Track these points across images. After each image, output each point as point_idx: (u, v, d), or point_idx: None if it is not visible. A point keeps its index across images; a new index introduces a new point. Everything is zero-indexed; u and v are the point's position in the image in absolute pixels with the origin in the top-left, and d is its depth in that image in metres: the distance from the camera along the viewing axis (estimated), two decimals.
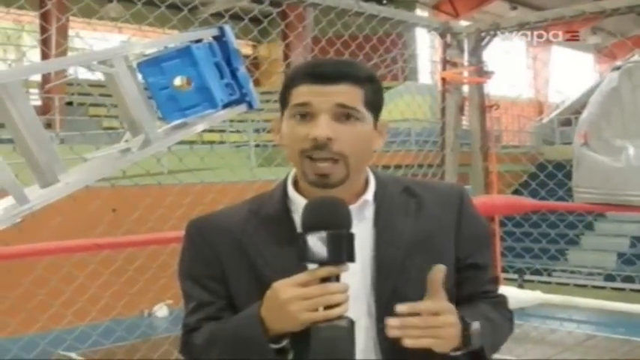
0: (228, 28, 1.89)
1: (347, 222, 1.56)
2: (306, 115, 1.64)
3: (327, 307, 1.51)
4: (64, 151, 7.56)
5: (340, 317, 1.50)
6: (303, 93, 1.65)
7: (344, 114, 1.63)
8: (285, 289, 1.53)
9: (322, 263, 1.52)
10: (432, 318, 1.54)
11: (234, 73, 1.92)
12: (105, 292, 5.60)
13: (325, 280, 1.52)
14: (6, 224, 1.53)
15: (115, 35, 19.93)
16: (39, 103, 18.39)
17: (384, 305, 1.65)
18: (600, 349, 11.26)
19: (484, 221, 1.95)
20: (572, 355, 10.98)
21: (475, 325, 1.61)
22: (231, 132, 17.10)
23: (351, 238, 1.53)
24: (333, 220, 1.54)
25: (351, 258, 1.53)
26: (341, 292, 1.51)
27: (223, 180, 6.20)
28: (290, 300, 1.51)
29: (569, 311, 11.88)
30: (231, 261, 1.73)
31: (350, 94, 1.65)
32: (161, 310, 12.71)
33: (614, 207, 3.96)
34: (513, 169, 12.88)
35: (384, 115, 1.78)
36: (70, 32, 16.72)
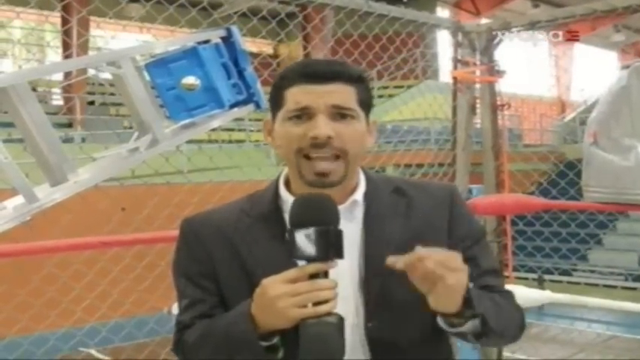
0: (235, 29, 1.90)
1: (334, 218, 1.57)
2: (301, 116, 1.66)
3: (316, 304, 1.52)
4: (83, 149, 7.59)
5: (329, 314, 1.51)
6: (297, 94, 1.67)
7: (340, 113, 1.65)
8: (273, 285, 1.54)
9: (310, 260, 1.53)
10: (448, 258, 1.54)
11: (241, 74, 1.94)
12: (128, 289, 5.61)
13: (314, 276, 1.53)
14: (15, 222, 1.55)
15: (137, 35, 20.13)
16: (61, 102, 18.52)
17: (371, 304, 1.67)
18: (618, 350, 11.20)
19: (476, 219, 1.95)
20: (590, 355, 10.94)
21: (474, 290, 1.61)
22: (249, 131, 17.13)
23: (339, 234, 1.54)
24: (320, 216, 1.55)
25: (339, 254, 1.54)
26: (329, 288, 1.52)
27: (232, 179, 6.20)
28: (278, 296, 1.52)
29: (587, 311, 11.83)
30: (222, 259, 1.74)
31: (344, 94, 1.67)
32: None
33: (623, 206, 3.95)
34: (530, 168, 12.81)
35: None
36: (92, 32, 16.85)
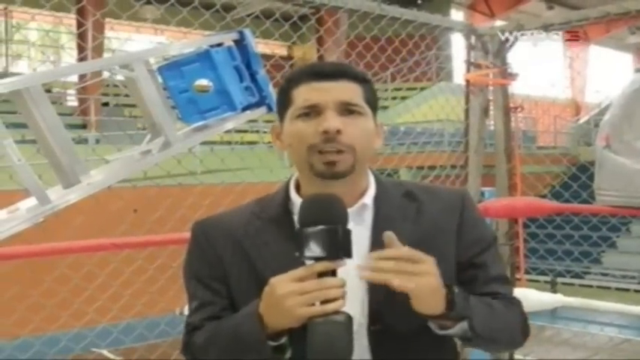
0: (247, 33, 1.91)
1: (343, 218, 1.57)
2: (310, 113, 1.66)
3: (324, 302, 1.51)
4: (98, 151, 7.60)
5: (337, 312, 1.50)
6: (305, 92, 1.67)
7: (347, 109, 1.66)
8: (281, 284, 1.53)
9: (319, 259, 1.52)
10: (408, 264, 1.54)
11: (254, 77, 1.95)
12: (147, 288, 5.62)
13: (322, 275, 1.52)
14: (28, 224, 1.56)
15: (152, 37, 20.25)
16: (76, 103, 18.60)
17: (376, 307, 1.67)
18: (630, 353, 11.10)
19: (487, 224, 1.94)
20: (604, 357, 10.88)
21: (458, 290, 1.62)
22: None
23: (347, 233, 1.54)
24: (328, 215, 1.55)
25: (347, 253, 1.53)
26: (337, 287, 1.52)
27: (245, 181, 6.21)
28: (286, 295, 1.52)
29: (600, 314, 11.75)
30: (232, 262, 1.75)
31: (351, 90, 1.68)
32: None
33: (636, 210, 3.93)
34: (544, 170, 12.71)
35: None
36: (107, 34, 16.93)
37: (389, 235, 1.58)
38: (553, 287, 13.22)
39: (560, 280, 13.96)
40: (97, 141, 13.82)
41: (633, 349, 11.30)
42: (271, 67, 4.32)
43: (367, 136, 1.70)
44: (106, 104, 18.14)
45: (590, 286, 15.14)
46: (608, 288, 15.59)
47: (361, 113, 1.68)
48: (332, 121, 1.62)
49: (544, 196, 9.21)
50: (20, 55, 22.22)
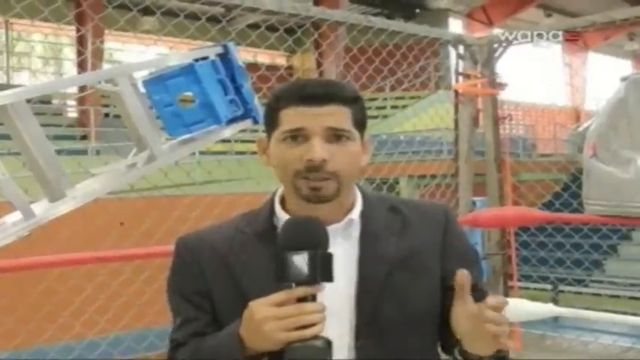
0: (231, 46, 1.92)
1: (324, 242, 1.56)
2: (297, 137, 1.65)
3: (303, 327, 1.50)
4: (94, 162, 7.58)
5: (316, 337, 1.50)
6: (293, 116, 1.65)
7: (335, 135, 1.65)
8: (260, 308, 1.53)
9: (299, 283, 1.52)
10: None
11: (238, 90, 1.95)
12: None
13: (302, 299, 1.52)
14: (13, 238, 1.57)
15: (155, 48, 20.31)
16: (75, 115, 18.62)
17: (361, 323, 1.66)
18: None
19: (469, 240, 1.94)
20: None
21: None
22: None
23: (328, 258, 1.53)
24: (309, 240, 1.55)
25: (328, 278, 1.53)
26: (317, 312, 1.51)
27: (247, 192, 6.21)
28: (264, 320, 1.52)
29: (604, 323, 11.66)
30: (216, 278, 1.73)
31: (339, 115, 1.66)
32: None
33: (624, 219, 3.94)
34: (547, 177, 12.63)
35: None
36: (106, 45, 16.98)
37: (463, 273, 1.55)
38: (556, 296, 13.16)
39: (564, 288, 13.91)
40: (98, 152, 13.82)
41: (638, 357, 11.21)
42: (271, 75, 4.35)
43: (353, 162, 1.69)
44: (106, 115, 18.11)
45: (595, 294, 15.05)
46: (617, 296, 15.50)
47: (348, 138, 1.67)
48: (318, 150, 1.61)
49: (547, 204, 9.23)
50: (21, 67, 22.21)
